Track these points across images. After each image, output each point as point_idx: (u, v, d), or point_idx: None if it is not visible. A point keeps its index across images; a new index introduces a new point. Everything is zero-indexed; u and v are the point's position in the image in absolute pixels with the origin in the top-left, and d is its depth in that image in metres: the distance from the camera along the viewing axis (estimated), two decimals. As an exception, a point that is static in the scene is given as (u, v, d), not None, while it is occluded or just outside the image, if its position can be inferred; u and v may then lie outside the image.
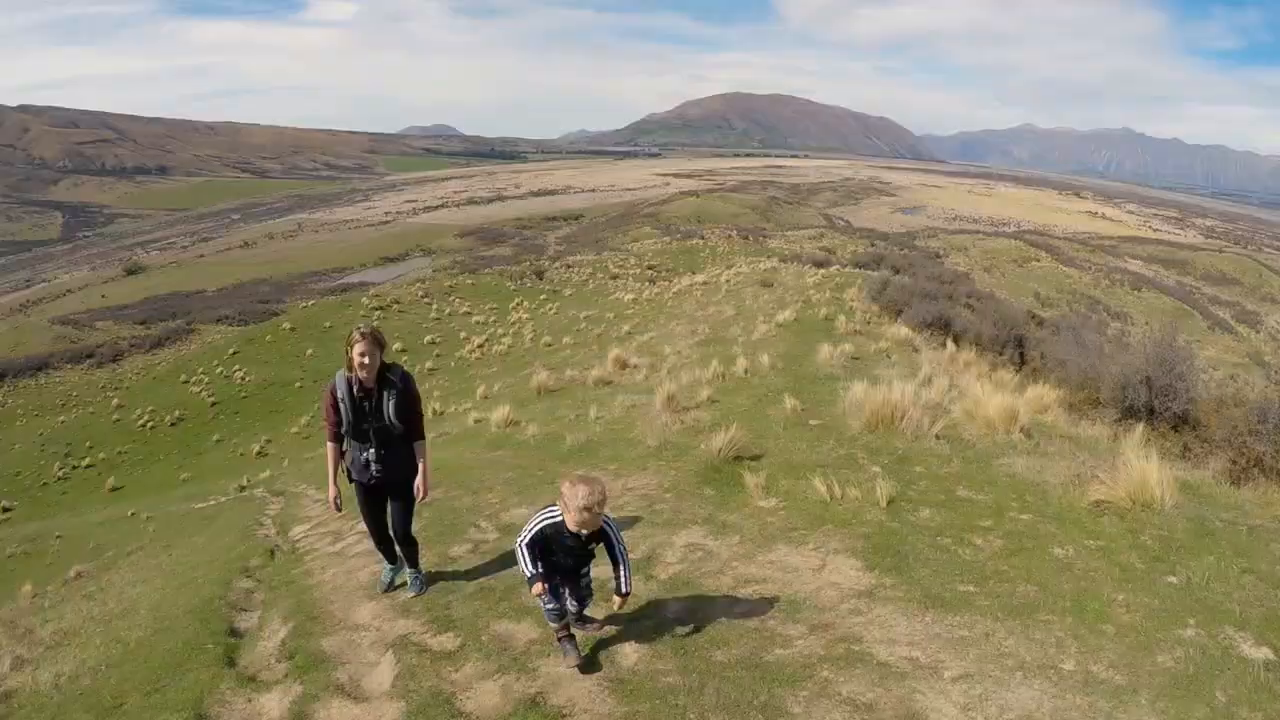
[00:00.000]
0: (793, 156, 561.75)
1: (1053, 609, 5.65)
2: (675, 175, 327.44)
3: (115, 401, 50.99)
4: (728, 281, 47.84)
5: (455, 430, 19.30)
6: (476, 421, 18.67)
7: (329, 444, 6.66)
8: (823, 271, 46.66)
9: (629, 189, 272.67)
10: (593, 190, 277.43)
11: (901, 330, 21.90)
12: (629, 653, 5.37)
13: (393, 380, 6.42)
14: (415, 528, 7.79)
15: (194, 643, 6.40)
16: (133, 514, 27.26)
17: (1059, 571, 6.20)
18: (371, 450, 6.50)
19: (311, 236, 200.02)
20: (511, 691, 5.10)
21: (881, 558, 6.61)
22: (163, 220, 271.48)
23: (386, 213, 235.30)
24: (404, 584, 7.01)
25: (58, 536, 27.30)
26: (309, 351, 51.73)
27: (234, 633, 6.68)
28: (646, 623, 5.76)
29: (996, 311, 30.51)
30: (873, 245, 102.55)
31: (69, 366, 64.74)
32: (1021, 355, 24.54)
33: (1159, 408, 13.94)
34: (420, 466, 6.75)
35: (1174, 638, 5.18)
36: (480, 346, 48.89)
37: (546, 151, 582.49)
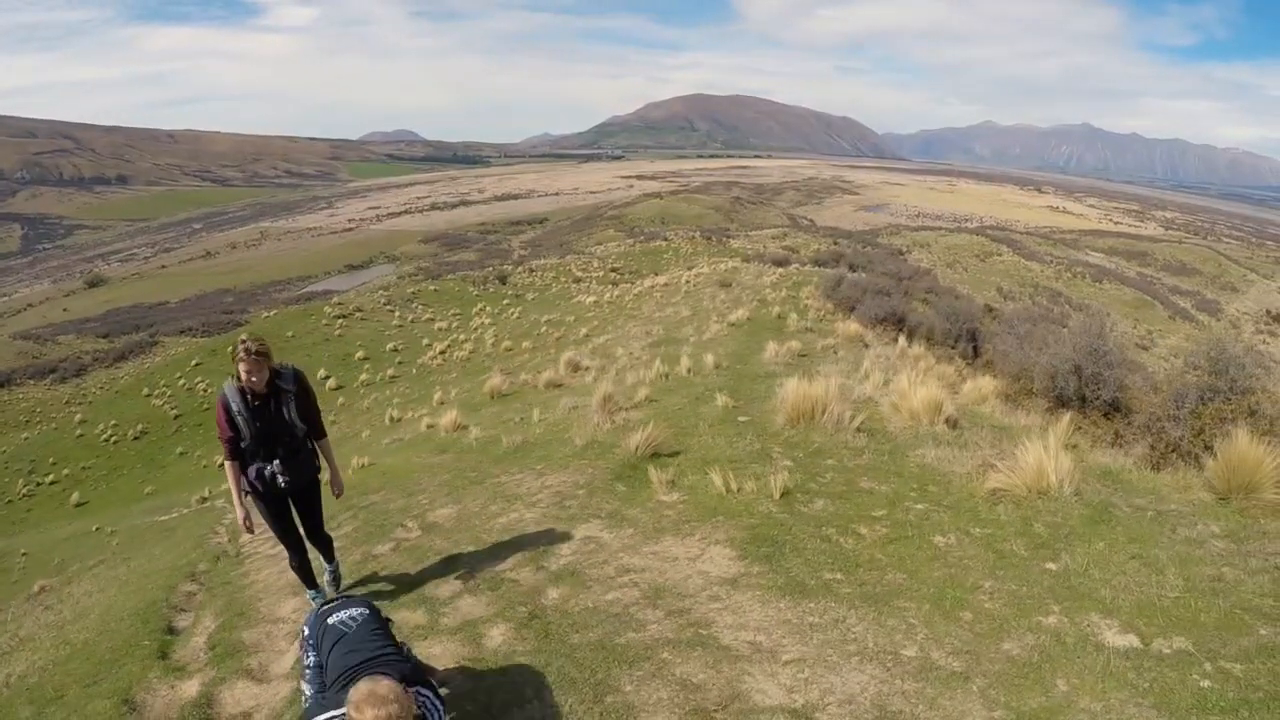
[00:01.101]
0: (756, 157, 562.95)
1: (913, 596, 5.78)
2: (639, 177, 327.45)
3: (78, 416, 50.57)
4: (688, 282, 47.96)
5: (408, 436, 19.52)
6: (429, 427, 18.83)
7: (228, 463, 6.40)
8: (781, 271, 46.77)
9: (593, 192, 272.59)
10: (557, 194, 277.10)
11: (852, 326, 21.95)
12: (495, 634, 5.81)
13: (284, 386, 6.32)
14: (348, 529, 7.86)
15: (133, 640, 6.93)
16: (97, 529, 27.25)
17: (932, 559, 6.34)
18: (277, 462, 6.34)
19: (274, 245, 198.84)
20: None
21: (758, 547, 6.75)
22: (123, 231, 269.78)
23: (350, 219, 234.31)
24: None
25: (23, 554, 27.20)
26: None
27: (171, 630, 7.20)
28: (521, 609, 6.10)
29: (950, 306, 30.71)
30: (835, 244, 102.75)
31: (31, 382, 64.04)
32: (975, 349, 24.73)
33: (1090, 396, 14.08)
34: (329, 464, 6.75)
35: (1031, 625, 5.30)
36: (442, 353, 48.61)
37: (510, 156, 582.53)
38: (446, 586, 6.83)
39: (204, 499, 23.14)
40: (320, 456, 6.71)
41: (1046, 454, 7.26)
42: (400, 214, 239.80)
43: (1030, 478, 7.21)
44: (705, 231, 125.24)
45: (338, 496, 6.91)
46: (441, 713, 4.12)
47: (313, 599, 6.89)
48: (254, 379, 6.07)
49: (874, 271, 46.32)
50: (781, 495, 7.73)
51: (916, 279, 50.29)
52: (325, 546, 7.03)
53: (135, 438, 45.67)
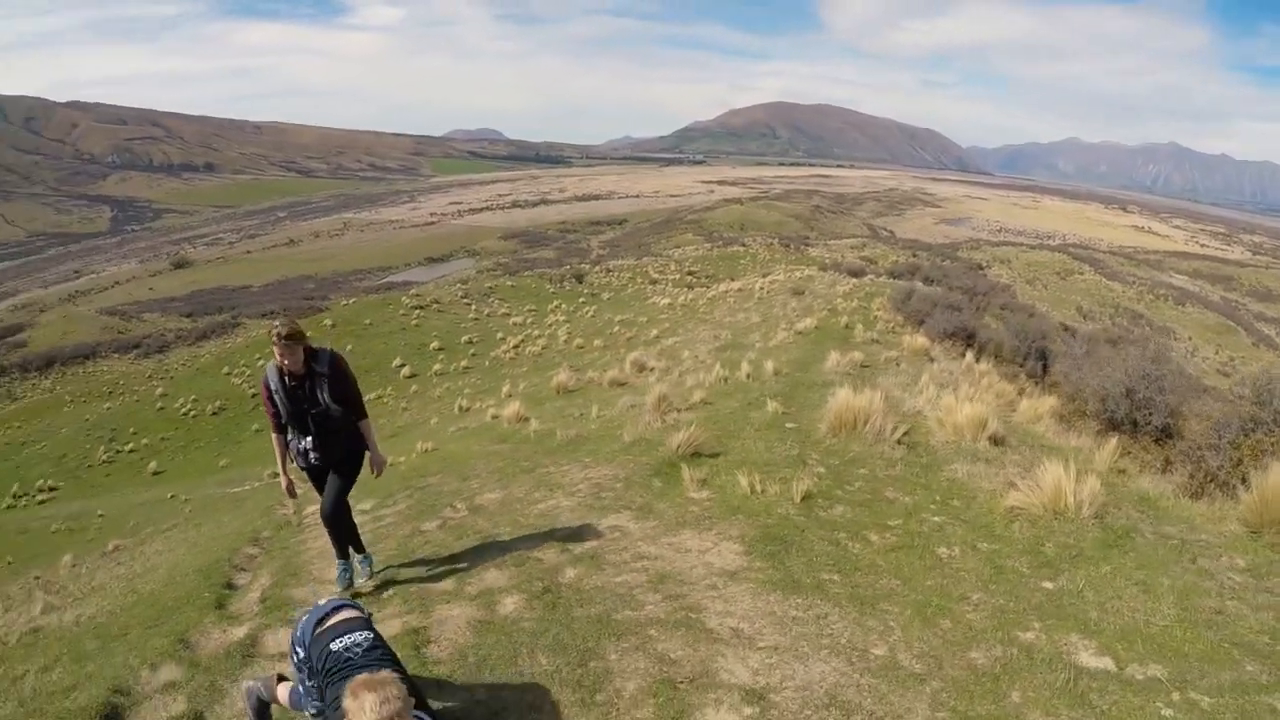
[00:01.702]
0: (838, 166, 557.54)
1: (900, 601, 6.01)
2: (720, 183, 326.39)
3: (160, 390, 52.40)
4: (761, 289, 47.76)
5: (473, 425, 19.95)
6: (493, 418, 19.19)
7: (274, 435, 6.86)
8: (855, 281, 46.45)
9: (673, 195, 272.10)
10: (637, 196, 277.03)
11: (919, 340, 21.76)
12: (509, 602, 6.35)
13: (319, 369, 6.54)
14: (402, 506, 8.28)
15: (194, 592, 7.65)
16: (172, 496, 28.33)
17: (930, 569, 6.55)
18: (310, 439, 6.66)
19: (357, 235, 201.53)
20: (407, 625, 6.17)
21: (765, 545, 7.05)
22: (210, 216, 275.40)
23: (431, 214, 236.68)
24: (361, 581, 7.28)
25: (100, 515, 28.31)
26: (349, 347, 51.26)
27: (230, 586, 7.91)
28: (538, 583, 6.58)
29: (1019, 323, 30.47)
30: (914, 256, 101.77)
31: (116, 356, 66.34)
32: (1044, 367, 24.58)
33: (1141, 420, 13.89)
34: (370, 444, 7.01)
35: (1005, 638, 5.47)
36: (515, 347, 48.90)
37: (591, 157, 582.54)
38: (477, 560, 7.29)
39: (275, 474, 23.92)
40: (364, 436, 6.95)
41: (1066, 475, 7.33)
42: (481, 210, 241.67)
43: (1048, 498, 7.29)
44: (784, 239, 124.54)
45: (376, 475, 7.15)
46: None
47: (341, 571, 7.19)
48: (287, 361, 6.37)
49: (948, 285, 45.85)
50: (802, 499, 7.99)
51: (992, 294, 49.76)
52: (352, 534, 7.25)
53: (213, 413, 47.10)
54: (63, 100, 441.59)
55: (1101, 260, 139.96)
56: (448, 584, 6.89)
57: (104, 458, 42.92)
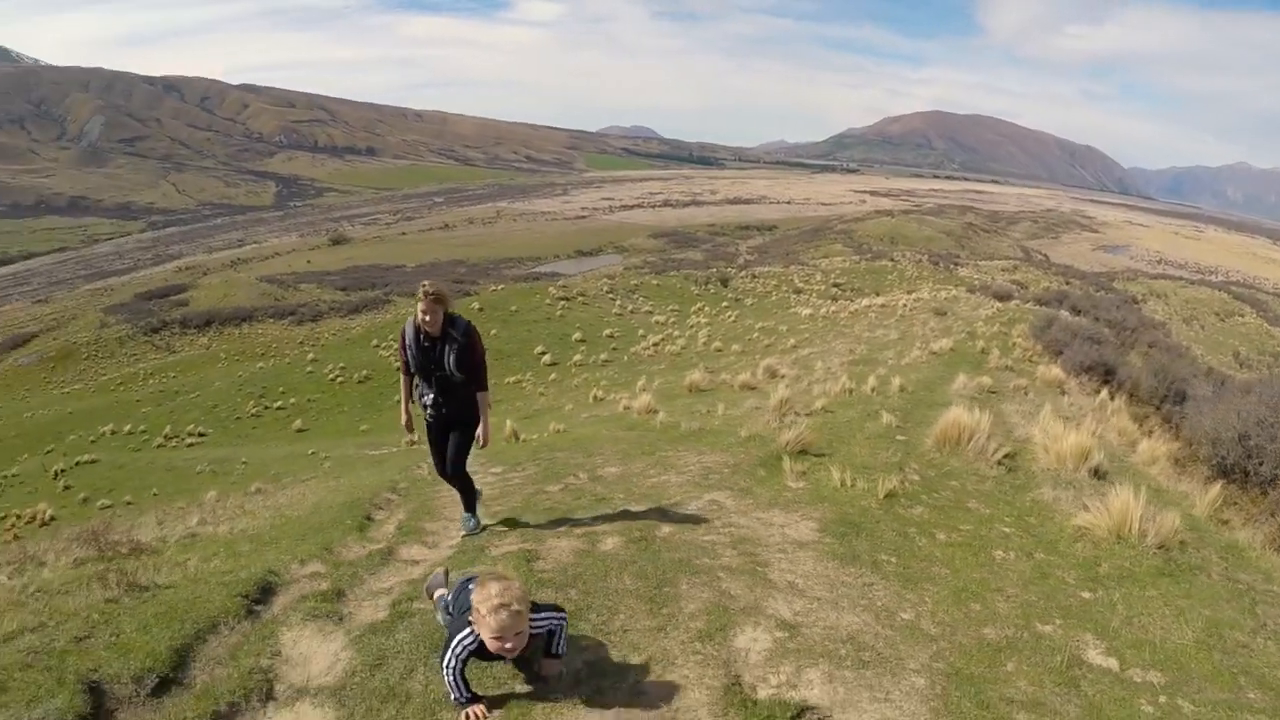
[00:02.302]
0: (993, 182, 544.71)
1: (942, 584, 6.69)
2: (872, 193, 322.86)
3: (310, 356, 55.53)
4: (904, 306, 47.49)
5: (605, 414, 21.27)
6: (625, 408, 20.18)
7: (402, 376, 7.66)
8: (999, 304, 45.90)
9: (824, 203, 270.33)
10: (788, 202, 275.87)
11: (1053, 371, 21.50)
12: (609, 543, 7.32)
13: (454, 335, 7.12)
14: (531, 471, 9.49)
15: (338, 519, 8.82)
16: (312, 452, 30.31)
17: (981, 566, 7.17)
18: (431, 395, 7.37)
19: (509, 225, 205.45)
20: (522, 549, 7.21)
21: (839, 527, 7.83)
22: (369, 197, 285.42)
23: (583, 208, 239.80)
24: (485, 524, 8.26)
25: (243, 462, 30.56)
26: (493, 331, 53.51)
27: (369, 519, 9.02)
28: (636, 532, 7.58)
29: (1160, 363, 29.95)
30: (1066, 283, 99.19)
31: (271, 320, 70.20)
32: (1182, 410, 24.14)
33: (1251, 470, 13.49)
34: (481, 416, 7.61)
35: (1022, 624, 6.03)
36: (655, 345, 49.99)
37: (744, 160, 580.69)
38: (589, 515, 8.31)
39: (413, 442, 25.21)
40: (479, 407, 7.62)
41: (1135, 501, 7.65)
42: (633, 207, 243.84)
43: (1114, 521, 7.61)
44: (933, 256, 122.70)
45: (482, 447, 7.89)
46: (564, 626, 4.95)
47: (465, 519, 8.13)
48: (428, 318, 7.02)
49: (1094, 317, 44.96)
50: (885, 496, 8.65)
51: (1141, 331, 48.51)
52: (465, 490, 8.05)
53: (359, 381, 49.62)
54: (235, 83, 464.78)
55: (1265, 302, 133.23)
56: (561, 528, 7.89)
57: (252, 412, 45.99)
